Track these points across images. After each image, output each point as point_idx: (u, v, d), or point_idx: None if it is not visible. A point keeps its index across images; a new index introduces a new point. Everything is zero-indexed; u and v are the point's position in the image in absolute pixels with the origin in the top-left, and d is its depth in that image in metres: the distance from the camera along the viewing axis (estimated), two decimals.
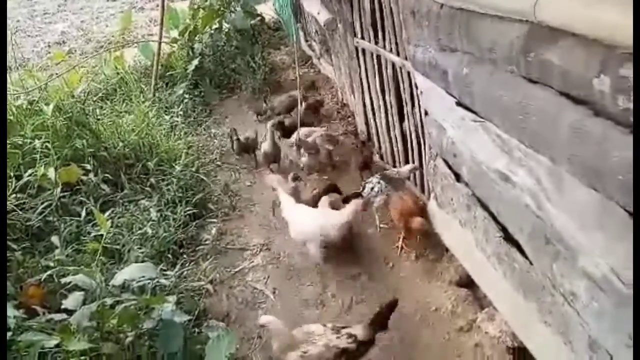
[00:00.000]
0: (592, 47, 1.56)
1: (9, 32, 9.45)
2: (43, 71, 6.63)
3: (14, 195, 3.60)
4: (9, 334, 2.15)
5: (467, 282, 3.21)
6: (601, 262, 1.79)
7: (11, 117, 3.92)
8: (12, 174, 3.55)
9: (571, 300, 2.05)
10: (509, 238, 2.51)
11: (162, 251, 3.66)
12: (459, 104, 2.67)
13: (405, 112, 3.88)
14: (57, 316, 2.49)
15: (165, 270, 3.43)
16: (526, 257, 2.37)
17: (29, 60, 7.82)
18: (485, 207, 2.71)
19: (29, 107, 4.09)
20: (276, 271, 3.70)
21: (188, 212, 4.08)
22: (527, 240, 2.32)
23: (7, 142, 3.84)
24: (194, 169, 4.61)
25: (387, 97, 4.18)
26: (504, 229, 2.56)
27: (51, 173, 3.37)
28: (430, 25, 2.73)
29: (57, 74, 4.58)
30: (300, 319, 3.24)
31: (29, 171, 3.71)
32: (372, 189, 3.89)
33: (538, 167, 2.05)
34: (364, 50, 4.40)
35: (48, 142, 3.91)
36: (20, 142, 3.93)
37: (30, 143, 3.92)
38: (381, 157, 4.68)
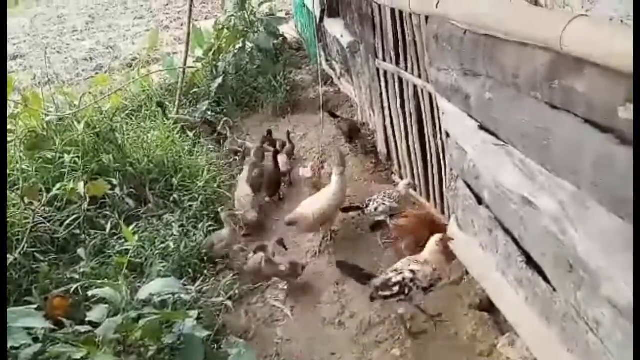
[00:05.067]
0: (617, 76, 1.58)
1: (40, 49, 9.83)
2: (72, 87, 6.84)
3: (42, 208, 3.70)
4: (38, 345, 2.21)
5: (487, 306, 3.17)
6: (625, 290, 1.78)
7: (44, 133, 4.06)
8: (42, 187, 3.66)
9: (595, 328, 2.03)
10: (531, 263, 2.50)
11: (184, 266, 3.71)
12: (481, 127, 2.69)
13: (425, 133, 3.91)
14: (82, 328, 2.55)
15: (185, 285, 3.48)
16: (549, 283, 2.35)
17: (58, 76, 8.08)
18: (507, 231, 2.70)
19: (59, 122, 4.23)
20: (294, 289, 3.71)
21: (210, 228, 4.13)
22: (550, 266, 2.31)
23: (39, 156, 3.98)
24: (215, 185, 4.69)
25: (407, 118, 4.22)
26: (526, 254, 2.55)
27: (80, 187, 3.48)
28: (453, 49, 2.78)
29: (90, 92, 4.73)
30: (318, 338, 3.25)
31: (58, 185, 3.82)
32: (375, 208, 3.95)
33: (562, 193, 2.05)
34: (385, 72, 4.46)
35: (77, 157, 4.03)
36: (49, 157, 4.06)
37: (60, 158, 4.04)
38: (400, 177, 4.70)
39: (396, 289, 2.92)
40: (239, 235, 4.16)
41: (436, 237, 3.07)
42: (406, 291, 2.91)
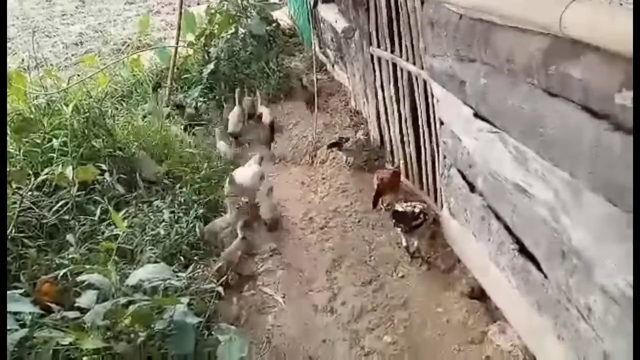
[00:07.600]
0: (614, 62, 1.56)
1: (28, 32, 9.63)
2: (61, 71, 6.72)
3: (30, 192, 3.64)
4: (25, 330, 2.17)
5: (479, 294, 3.18)
6: (618, 277, 1.78)
7: (31, 116, 3.98)
8: (30, 172, 3.60)
9: (586, 315, 2.03)
10: (524, 251, 2.50)
11: (174, 252, 3.67)
12: (476, 114, 2.67)
13: (419, 120, 3.88)
14: (71, 314, 2.52)
15: (176, 272, 3.44)
16: (541, 271, 2.35)
17: (46, 60, 7.93)
18: (500, 219, 2.70)
19: (48, 106, 4.15)
20: (286, 276, 3.70)
21: (200, 214, 4.09)
22: (542, 254, 2.31)
23: (27, 140, 3.90)
24: (203, 172, 4.64)
25: (401, 105, 4.19)
26: (519, 242, 2.54)
27: (69, 172, 3.41)
28: (449, 35, 2.74)
29: (79, 74, 4.64)
30: (310, 325, 3.24)
31: (46, 169, 3.75)
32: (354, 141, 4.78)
33: (556, 180, 2.04)
34: (379, 59, 4.41)
35: (66, 141, 3.96)
36: (38, 141, 3.98)
37: (49, 142, 3.97)
38: (392, 164, 4.68)
39: (422, 217, 3.50)
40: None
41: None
42: (427, 218, 3.53)
